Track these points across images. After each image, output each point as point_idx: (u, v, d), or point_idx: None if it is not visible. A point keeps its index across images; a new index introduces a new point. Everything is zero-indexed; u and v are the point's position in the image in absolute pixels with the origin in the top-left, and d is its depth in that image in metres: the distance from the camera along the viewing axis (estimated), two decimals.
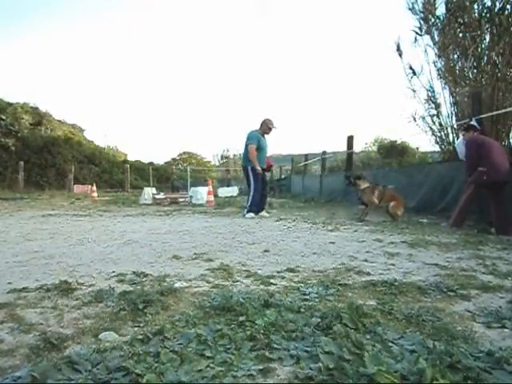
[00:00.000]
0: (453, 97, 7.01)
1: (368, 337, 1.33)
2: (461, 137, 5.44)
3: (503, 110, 5.82)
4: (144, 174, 23.45)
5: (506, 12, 6.18)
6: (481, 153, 4.44)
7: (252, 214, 6.39)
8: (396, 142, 15.33)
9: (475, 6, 6.52)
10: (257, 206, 6.55)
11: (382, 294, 1.91)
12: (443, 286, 2.03)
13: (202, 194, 10.66)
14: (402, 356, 1.16)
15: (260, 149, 6.56)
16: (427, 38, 7.28)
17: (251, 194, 6.51)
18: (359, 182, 6.13)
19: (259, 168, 6.51)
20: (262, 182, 6.67)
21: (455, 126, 6.99)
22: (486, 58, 6.43)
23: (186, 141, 72.32)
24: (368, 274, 2.38)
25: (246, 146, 6.59)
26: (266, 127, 6.67)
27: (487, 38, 6.49)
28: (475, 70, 6.61)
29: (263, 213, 6.59)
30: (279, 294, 1.87)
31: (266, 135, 6.76)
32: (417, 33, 7.34)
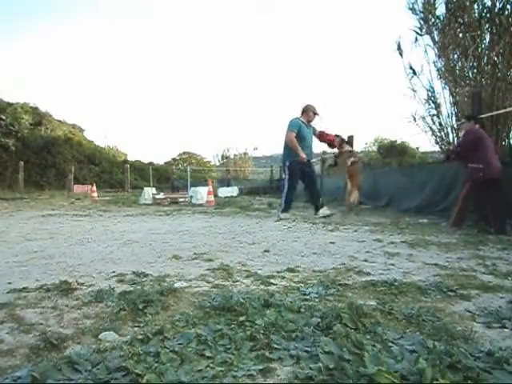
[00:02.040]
0: (453, 97, 7.01)
1: (368, 337, 1.32)
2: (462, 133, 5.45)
3: (503, 110, 5.82)
4: (144, 174, 23.46)
5: (506, 12, 6.18)
6: (478, 146, 4.43)
7: (286, 215, 5.74)
8: (396, 141, 15.32)
9: (475, 6, 6.52)
10: (289, 203, 5.89)
11: (381, 294, 1.91)
12: (443, 286, 2.03)
13: (202, 193, 10.66)
14: (402, 356, 1.16)
15: (302, 138, 5.73)
16: (427, 37, 7.28)
17: (284, 191, 5.81)
18: (344, 146, 6.49)
19: (303, 155, 5.66)
20: (303, 175, 5.85)
21: (455, 126, 6.99)
22: (486, 58, 6.42)
23: (186, 141, 72.41)
24: (368, 273, 2.38)
25: (286, 136, 5.81)
26: (311, 113, 5.86)
27: (487, 38, 6.49)
28: (475, 70, 6.60)
29: (322, 210, 5.84)
30: (279, 294, 1.87)
31: (310, 123, 5.94)
32: (417, 33, 7.34)
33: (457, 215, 4.73)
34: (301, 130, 5.75)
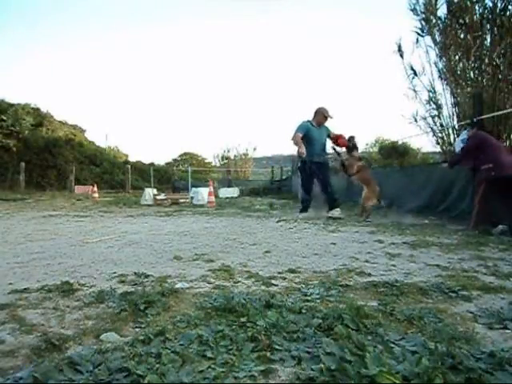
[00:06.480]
0: (454, 97, 7.00)
1: (369, 338, 1.32)
2: (461, 135, 5.50)
3: (505, 111, 5.81)
4: (145, 174, 23.41)
5: (508, 13, 6.18)
6: (484, 148, 4.48)
7: (304, 215, 6.20)
8: (397, 142, 15.29)
9: (477, 7, 6.51)
10: (304, 203, 6.56)
11: (383, 295, 1.91)
12: (445, 286, 2.03)
13: (202, 194, 10.67)
14: (404, 357, 1.15)
15: (311, 139, 6.18)
16: (428, 38, 7.28)
17: (300, 191, 6.65)
18: (353, 153, 6.44)
19: (302, 150, 6.04)
20: (310, 176, 6.40)
21: (456, 127, 6.98)
22: (487, 58, 6.42)
23: (187, 141, 72.65)
24: (369, 274, 2.38)
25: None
26: (321, 116, 6.33)
27: (488, 38, 6.48)
28: (477, 71, 6.60)
29: (332, 212, 6.10)
30: (280, 295, 1.87)
31: (321, 125, 6.42)
32: (418, 34, 7.32)
33: (475, 218, 4.58)
34: (308, 131, 6.17)
